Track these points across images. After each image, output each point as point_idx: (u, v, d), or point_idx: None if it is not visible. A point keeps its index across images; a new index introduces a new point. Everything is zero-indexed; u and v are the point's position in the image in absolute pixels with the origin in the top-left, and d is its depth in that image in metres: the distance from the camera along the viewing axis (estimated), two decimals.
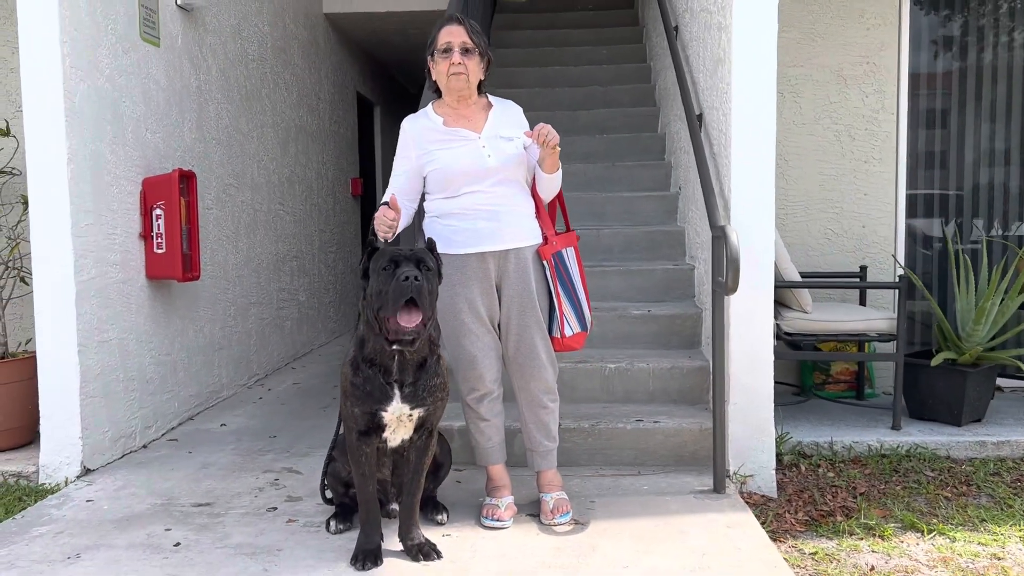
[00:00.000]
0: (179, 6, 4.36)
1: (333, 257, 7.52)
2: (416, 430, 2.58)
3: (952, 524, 3.09)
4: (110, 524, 2.92)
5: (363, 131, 9.09)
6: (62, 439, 3.45)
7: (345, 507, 2.86)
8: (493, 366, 2.86)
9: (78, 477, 3.45)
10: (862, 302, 4.56)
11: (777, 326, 4.01)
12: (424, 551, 2.56)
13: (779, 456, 3.70)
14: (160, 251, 3.96)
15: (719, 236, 3.10)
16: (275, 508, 3.05)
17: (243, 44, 5.29)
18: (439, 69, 2.79)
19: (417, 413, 2.52)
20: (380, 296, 2.37)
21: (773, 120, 3.22)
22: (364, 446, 2.53)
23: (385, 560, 2.55)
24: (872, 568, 2.72)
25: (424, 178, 2.86)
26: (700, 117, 3.87)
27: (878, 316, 4.03)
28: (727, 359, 3.28)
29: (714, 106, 3.60)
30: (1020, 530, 3.03)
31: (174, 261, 3.95)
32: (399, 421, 2.52)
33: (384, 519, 2.82)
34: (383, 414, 2.48)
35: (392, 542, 2.67)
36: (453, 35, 2.76)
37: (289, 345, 6.17)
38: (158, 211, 3.95)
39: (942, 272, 4.84)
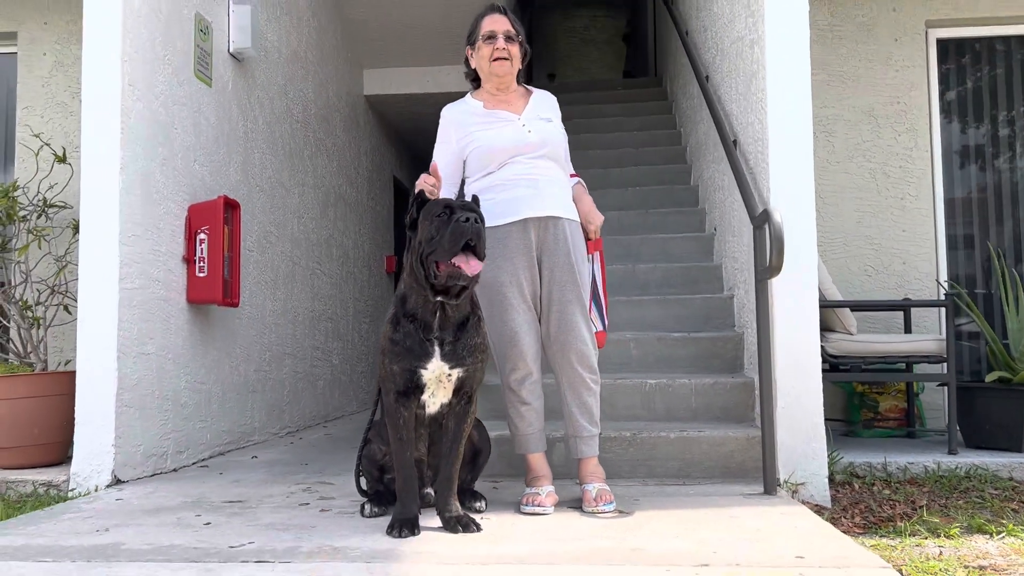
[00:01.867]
0: (231, 54, 4.59)
1: (367, 328, 7.54)
2: (455, 393, 2.51)
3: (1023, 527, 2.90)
4: (140, 512, 2.84)
5: (399, 216, 9.30)
6: (95, 446, 3.40)
7: (380, 494, 2.76)
8: (533, 345, 2.81)
9: (108, 486, 3.38)
10: (907, 331, 4.45)
11: (822, 348, 3.91)
12: (463, 523, 2.44)
13: (831, 475, 3.52)
14: (202, 275, 4.01)
15: (760, 225, 3.08)
16: (307, 504, 2.96)
17: (289, 104, 5.52)
18: (482, 55, 2.88)
19: (456, 373, 2.46)
20: (433, 241, 2.34)
21: (809, 118, 3.25)
22: (402, 408, 2.46)
23: (422, 533, 2.44)
24: (941, 552, 2.54)
25: (464, 162, 2.91)
26: (735, 142, 3.93)
27: (926, 338, 3.92)
28: (773, 361, 3.18)
29: (748, 122, 3.66)
30: None
31: (215, 285, 4.00)
32: (438, 382, 2.45)
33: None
34: (423, 372, 2.43)
35: (429, 520, 2.55)
36: (497, 23, 2.87)
37: (321, 405, 6.11)
38: (202, 235, 4.03)
39: (988, 307, 4.73)
